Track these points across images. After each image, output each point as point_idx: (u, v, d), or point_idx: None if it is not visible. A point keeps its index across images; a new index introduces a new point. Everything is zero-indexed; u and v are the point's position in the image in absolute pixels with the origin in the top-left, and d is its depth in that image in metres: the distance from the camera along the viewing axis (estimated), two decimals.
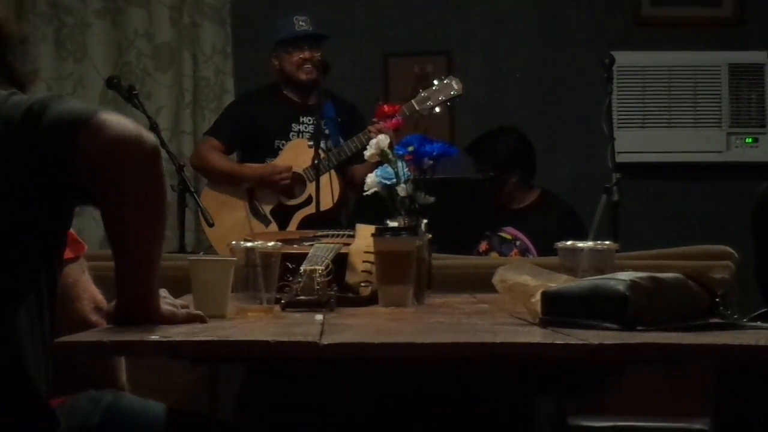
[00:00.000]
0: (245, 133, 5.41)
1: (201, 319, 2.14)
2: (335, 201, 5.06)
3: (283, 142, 5.34)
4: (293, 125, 5.37)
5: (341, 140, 5.16)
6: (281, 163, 5.29)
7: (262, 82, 5.64)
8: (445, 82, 5.09)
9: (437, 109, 5.07)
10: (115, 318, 2.12)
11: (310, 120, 5.31)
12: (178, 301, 2.20)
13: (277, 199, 5.29)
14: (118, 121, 2.01)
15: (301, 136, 5.36)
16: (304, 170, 5.22)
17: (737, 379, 2.18)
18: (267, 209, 5.31)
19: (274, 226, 5.23)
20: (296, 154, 5.27)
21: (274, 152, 5.33)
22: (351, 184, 5.24)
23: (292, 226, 5.19)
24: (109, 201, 2.03)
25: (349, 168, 5.25)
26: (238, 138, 5.43)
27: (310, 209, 5.11)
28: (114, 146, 1.99)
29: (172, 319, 2.10)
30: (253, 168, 5.33)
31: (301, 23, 5.38)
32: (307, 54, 5.31)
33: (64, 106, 2.04)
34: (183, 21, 6.18)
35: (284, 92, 5.44)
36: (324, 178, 4.87)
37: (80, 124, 1.99)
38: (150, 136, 2.02)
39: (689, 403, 3.16)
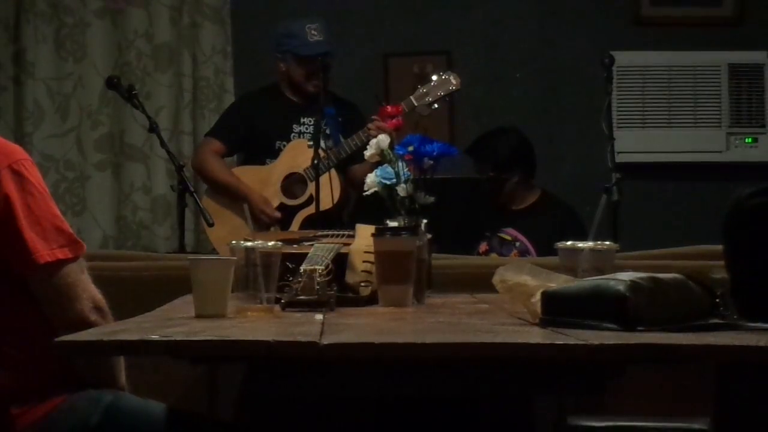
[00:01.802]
0: (246, 135, 5.40)
1: None
2: (336, 200, 5.06)
3: (284, 143, 5.34)
4: (294, 126, 5.37)
5: (342, 139, 5.16)
6: (281, 165, 5.29)
7: (262, 82, 5.63)
8: (443, 77, 5.09)
9: (436, 105, 5.07)
10: None
11: (310, 120, 5.31)
12: None
13: (278, 200, 5.29)
14: None
15: (302, 136, 5.35)
16: (304, 170, 5.22)
17: (737, 379, 2.18)
18: None
19: (276, 227, 5.22)
20: (296, 154, 5.26)
21: (275, 153, 5.33)
22: (352, 184, 5.23)
23: (294, 226, 5.19)
24: None
25: (350, 167, 5.25)
26: (239, 139, 5.43)
27: (312, 209, 5.11)
28: None
29: None
30: (247, 191, 5.29)
31: (313, 32, 5.34)
32: (318, 69, 5.28)
33: None
34: (183, 21, 6.17)
35: (285, 93, 5.44)
36: (324, 178, 4.87)
37: None
38: None
39: (689, 403, 3.16)
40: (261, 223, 5.23)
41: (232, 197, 5.29)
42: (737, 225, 2.24)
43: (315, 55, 5.27)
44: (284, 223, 5.24)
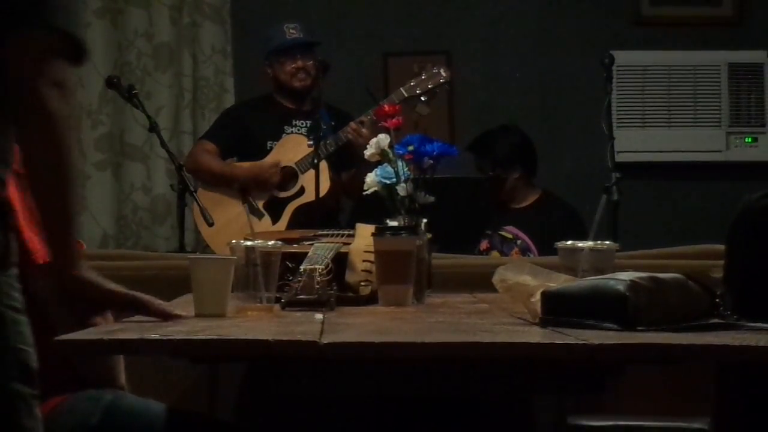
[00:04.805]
0: (239, 138, 5.44)
1: (161, 314, 2.11)
2: (326, 191, 5.08)
3: (276, 143, 5.37)
4: (286, 128, 5.40)
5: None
6: (272, 159, 5.31)
7: (262, 82, 5.64)
8: (433, 71, 5.13)
9: (424, 98, 5.10)
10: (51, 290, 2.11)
11: (302, 123, 5.35)
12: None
13: (269, 192, 5.32)
14: (35, 56, 1.91)
15: None
16: (295, 163, 5.26)
17: (737, 379, 2.18)
18: (260, 203, 5.34)
19: (267, 219, 5.25)
20: (288, 149, 5.31)
21: (267, 153, 5.35)
22: (344, 189, 5.28)
23: (285, 217, 5.23)
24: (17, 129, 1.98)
25: (341, 172, 5.28)
26: (232, 141, 5.45)
27: (302, 200, 5.16)
28: (17, 86, 1.91)
29: (98, 289, 2.06)
30: (243, 168, 5.34)
31: (291, 31, 5.41)
32: (299, 63, 5.35)
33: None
34: (183, 21, 6.18)
35: (278, 100, 5.47)
36: (313, 171, 4.91)
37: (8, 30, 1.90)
38: (49, 87, 1.92)
39: (689, 403, 3.16)
40: (266, 187, 5.26)
41: (229, 185, 5.31)
42: (745, 224, 2.25)
43: (292, 46, 5.32)
44: (275, 215, 5.26)
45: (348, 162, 5.19)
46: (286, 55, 5.38)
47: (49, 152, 1.97)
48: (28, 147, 1.98)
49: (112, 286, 2.08)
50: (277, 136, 5.38)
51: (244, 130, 5.43)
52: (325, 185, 5.03)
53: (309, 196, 5.11)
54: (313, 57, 5.34)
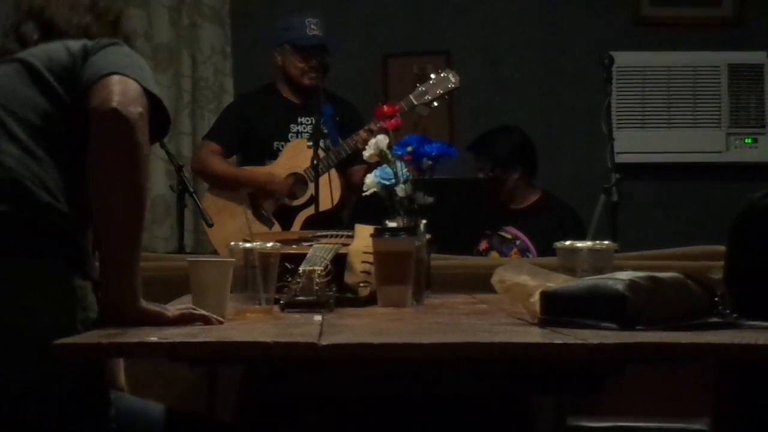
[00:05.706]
0: (244, 136, 5.40)
1: (205, 320, 2.13)
2: (337, 200, 5.05)
3: (282, 143, 5.33)
4: (291, 126, 5.36)
5: (340, 139, 5.16)
6: (281, 165, 5.29)
7: (261, 83, 5.63)
8: (442, 75, 5.09)
9: (435, 104, 5.06)
10: (101, 316, 2.14)
11: (308, 120, 5.31)
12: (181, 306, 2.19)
13: (279, 200, 5.29)
14: (121, 88, 2.12)
15: (299, 136, 5.35)
16: (305, 170, 5.22)
17: (737, 379, 2.18)
18: (269, 211, 5.31)
19: (277, 228, 5.22)
20: (296, 154, 5.26)
21: (274, 154, 5.32)
22: (350, 185, 5.23)
23: (296, 227, 5.18)
24: (90, 158, 2.12)
25: (348, 169, 5.25)
26: (236, 141, 5.42)
27: (312, 210, 5.12)
28: (101, 111, 2.10)
29: (159, 318, 2.10)
30: (252, 174, 5.32)
31: (313, 27, 5.35)
32: (314, 63, 5.28)
33: (105, 59, 2.19)
34: (182, 21, 6.17)
35: (281, 92, 5.43)
36: (324, 178, 4.87)
37: (95, 81, 2.14)
38: (132, 108, 2.11)
39: (689, 403, 3.16)
40: (274, 197, 5.24)
41: (236, 189, 5.29)
42: (747, 223, 2.25)
43: (312, 46, 5.28)
44: (285, 224, 5.23)
45: (355, 161, 5.15)
46: (303, 52, 5.33)
47: (126, 180, 2.10)
48: (106, 170, 2.10)
49: (169, 312, 2.13)
50: (283, 136, 5.35)
51: (248, 128, 5.39)
52: (335, 194, 5.01)
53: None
54: (324, 56, 5.31)
